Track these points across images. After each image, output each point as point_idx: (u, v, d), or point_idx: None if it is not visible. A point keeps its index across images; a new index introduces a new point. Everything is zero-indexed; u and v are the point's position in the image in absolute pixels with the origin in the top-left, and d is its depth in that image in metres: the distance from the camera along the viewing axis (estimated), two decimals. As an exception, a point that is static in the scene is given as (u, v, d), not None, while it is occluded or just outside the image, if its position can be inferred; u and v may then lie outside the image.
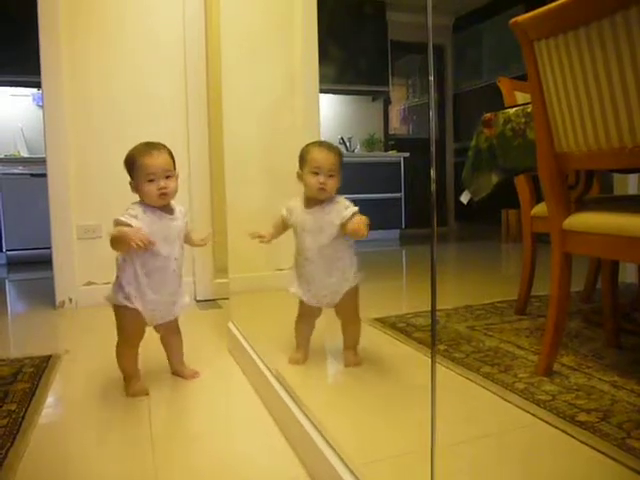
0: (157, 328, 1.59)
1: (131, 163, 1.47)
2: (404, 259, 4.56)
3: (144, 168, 1.44)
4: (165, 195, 1.46)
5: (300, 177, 1.56)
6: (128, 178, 1.49)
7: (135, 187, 1.48)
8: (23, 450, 1.20)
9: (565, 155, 1.44)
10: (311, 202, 1.54)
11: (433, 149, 0.77)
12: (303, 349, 1.62)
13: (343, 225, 1.49)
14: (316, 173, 1.50)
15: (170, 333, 1.62)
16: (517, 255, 4.55)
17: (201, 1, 2.79)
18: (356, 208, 1.51)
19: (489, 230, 5.09)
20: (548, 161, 1.47)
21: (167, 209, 1.51)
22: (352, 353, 1.62)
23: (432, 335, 1.31)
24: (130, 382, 1.52)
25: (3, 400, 1.46)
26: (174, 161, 1.51)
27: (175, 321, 1.61)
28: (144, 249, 1.38)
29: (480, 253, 4.17)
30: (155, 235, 1.43)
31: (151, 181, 1.44)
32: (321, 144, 1.57)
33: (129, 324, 1.49)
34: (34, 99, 4.82)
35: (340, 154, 1.55)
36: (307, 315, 1.61)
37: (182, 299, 1.59)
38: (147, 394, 1.50)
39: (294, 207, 1.58)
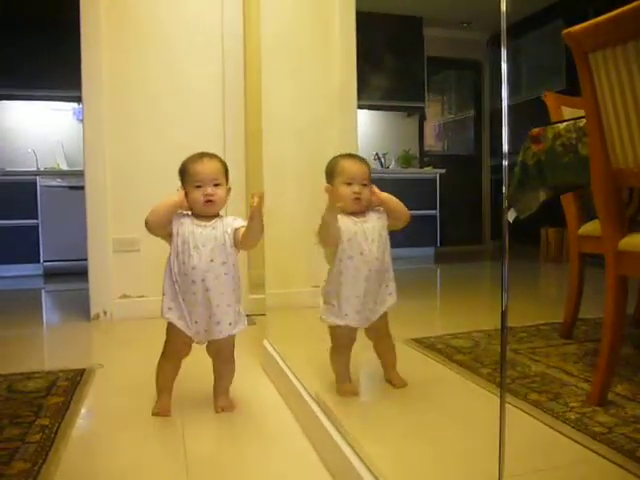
0: (208, 351, 1.50)
1: (182, 171, 1.45)
2: (439, 278, 4.47)
3: (193, 175, 1.41)
4: (211, 202, 1.40)
5: (329, 191, 1.49)
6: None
7: (185, 195, 1.43)
8: (55, 467, 1.17)
9: (622, 172, 1.36)
10: (351, 215, 1.47)
11: (506, 163, 0.72)
12: (347, 380, 1.53)
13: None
14: (349, 183, 1.45)
15: (220, 359, 1.50)
16: (557, 276, 4.41)
17: (239, 13, 2.79)
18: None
19: (527, 249, 4.96)
20: (603, 178, 1.40)
21: (207, 218, 1.43)
22: (397, 373, 1.57)
23: (501, 368, 1.25)
24: (158, 398, 1.48)
25: (37, 414, 1.44)
26: (227, 172, 1.47)
27: (227, 347, 1.49)
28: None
29: (518, 273, 4.04)
30: (185, 242, 1.39)
31: (198, 187, 1.40)
32: (351, 155, 1.53)
33: (172, 337, 1.45)
34: (74, 113, 4.92)
35: (369, 165, 1.52)
36: (344, 345, 1.52)
37: (222, 322, 1.43)
38: (167, 415, 1.44)
39: (341, 219, 1.47)
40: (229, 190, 1.47)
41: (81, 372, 1.80)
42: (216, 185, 1.41)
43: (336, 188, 1.47)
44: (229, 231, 1.42)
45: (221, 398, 1.51)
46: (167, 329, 1.45)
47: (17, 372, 1.80)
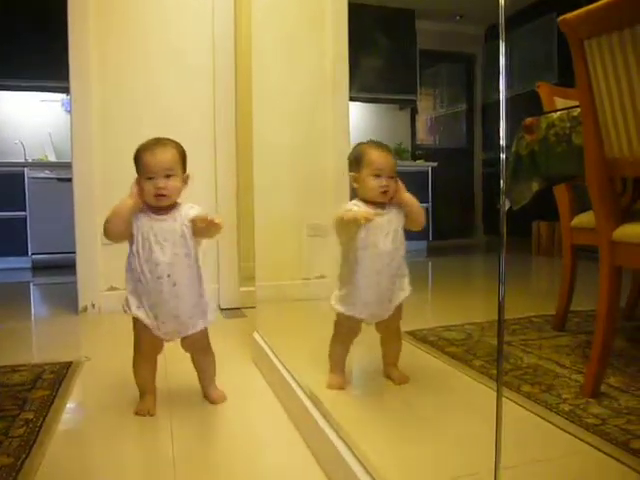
0: (183, 346, 1.45)
1: (136, 158, 1.37)
2: (431, 271, 4.46)
3: (144, 165, 1.34)
4: (162, 196, 1.33)
5: (355, 180, 1.46)
6: None
7: (139, 184, 1.36)
8: (39, 462, 1.14)
9: (617, 161, 1.34)
10: (370, 205, 1.43)
11: (503, 157, 0.69)
12: (341, 372, 1.51)
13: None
14: (377, 176, 1.41)
15: (197, 352, 1.47)
16: (549, 269, 4.41)
17: (230, 7, 2.75)
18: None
19: (519, 242, 4.95)
20: (597, 168, 1.38)
21: (163, 210, 1.37)
22: (398, 370, 1.55)
23: (498, 358, 1.23)
24: (142, 399, 1.42)
25: (22, 407, 1.41)
26: (184, 160, 1.40)
27: (202, 339, 1.45)
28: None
29: (510, 266, 4.03)
30: (145, 239, 1.33)
31: (150, 179, 1.33)
32: (379, 145, 1.47)
33: (141, 335, 1.39)
34: (63, 104, 4.85)
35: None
36: (347, 335, 1.50)
37: (193, 316, 1.40)
38: (152, 415, 1.38)
39: (362, 208, 1.43)
40: (187, 178, 1.40)
41: (67, 365, 1.77)
42: (168, 176, 1.33)
43: (362, 179, 1.44)
44: (187, 222, 1.36)
45: (210, 389, 1.48)
46: (134, 327, 1.39)
47: (2, 365, 1.77)
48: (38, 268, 4.32)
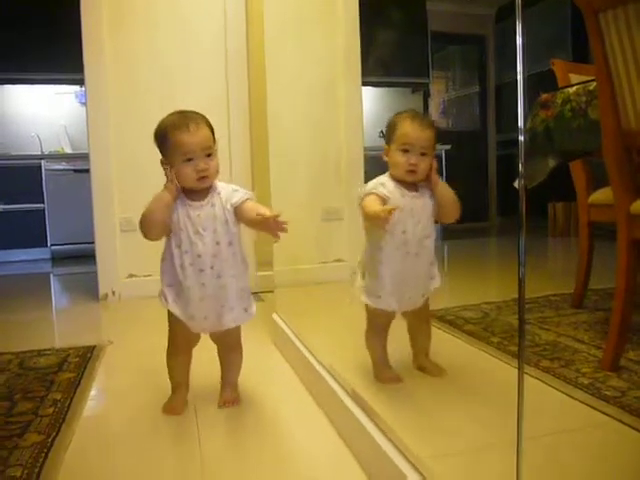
0: (213, 338, 1.36)
1: (162, 137, 1.22)
2: (446, 254, 4.45)
3: (179, 146, 1.19)
4: (205, 178, 1.21)
5: (385, 153, 1.32)
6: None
7: (169, 166, 1.22)
8: (69, 439, 1.17)
9: (633, 133, 1.34)
10: (401, 184, 1.30)
11: (522, 138, 0.69)
12: (387, 364, 1.38)
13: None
14: (406, 151, 1.27)
15: (226, 347, 1.37)
16: (565, 249, 4.39)
17: None
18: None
19: (534, 224, 4.92)
20: (614, 140, 1.37)
21: (199, 194, 1.24)
22: (431, 360, 1.43)
23: (520, 329, 1.24)
24: (173, 394, 1.35)
25: (49, 389, 1.44)
26: (213, 132, 1.26)
27: (234, 333, 1.34)
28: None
29: (526, 247, 4.04)
30: (183, 229, 1.22)
31: (189, 160, 1.20)
32: (414, 117, 1.31)
33: (176, 328, 1.30)
34: (77, 97, 4.89)
35: (435, 129, 1.31)
36: (381, 324, 1.37)
37: (236, 308, 1.28)
38: (178, 414, 1.31)
39: (389, 187, 1.29)
40: (216, 152, 1.27)
41: (91, 349, 1.81)
42: (209, 155, 1.22)
43: (391, 153, 1.30)
44: (229, 207, 1.24)
45: (226, 391, 1.37)
46: (169, 320, 1.30)
47: (28, 350, 1.81)
48: (57, 259, 4.39)
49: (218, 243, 1.23)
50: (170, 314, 1.28)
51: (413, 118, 1.30)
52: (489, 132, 6.32)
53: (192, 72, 2.75)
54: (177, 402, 1.33)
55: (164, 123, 1.23)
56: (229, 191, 1.26)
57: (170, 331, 1.31)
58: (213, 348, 1.38)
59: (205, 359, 1.41)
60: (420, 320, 1.41)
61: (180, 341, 1.31)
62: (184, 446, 1.17)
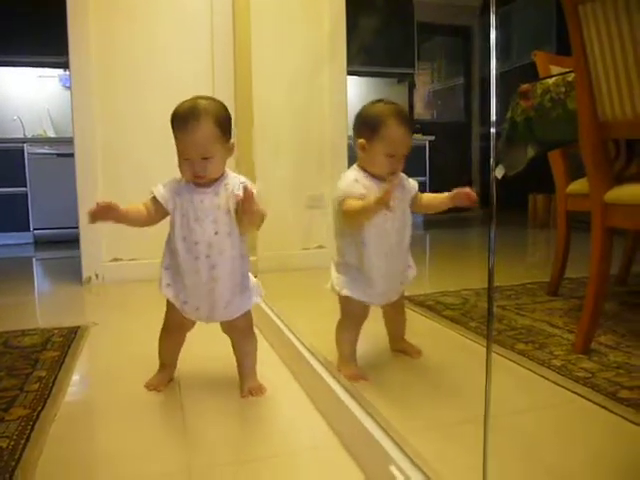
0: (223, 329, 1.33)
1: (171, 124, 1.19)
2: (428, 244, 4.51)
3: (177, 144, 1.18)
4: (200, 178, 1.19)
5: (363, 148, 1.29)
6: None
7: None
8: (54, 413, 1.19)
9: (609, 124, 1.38)
10: (373, 178, 1.29)
11: (493, 131, 0.72)
12: (354, 361, 1.36)
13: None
14: (391, 155, 1.26)
15: (238, 336, 1.33)
16: (545, 240, 4.47)
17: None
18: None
19: (515, 216, 5.00)
20: (591, 130, 1.42)
21: (205, 183, 1.22)
22: (408, 342, 1.49)
23: (489, 311, 1.28)
24: (158, 371, 1.36)
25: (34, 366, 1.46)
26: (225, 127, 1.20)
27: (244, 322, 1.31)
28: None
29: (506, 238, 4.09)
30: (184, 215, 1.20)
31: (187, 159, 1.18)
32: (400, 117, 1.26)
33: (170, 313, 1.30)
34: (60, 80, 4.85)
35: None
36: (356, 320, 1.35)
37: (232, 303, 1.26)
38: (159, 391, 1.32)
39: (363, 182, 1.28)
40: (232, 147, 1.23)
41: (76, 329, 1.82)
42: (205, 158, 1.17)
43: (373, 152, 1.27)
44: (233, 198, 1.20)
45: (248, 380, 1.32)
46: (167, 302, 1.29)
47: (13, 329, 1.82)
48: (40, 243, 4.36)
49: (217, 233, 1.20)
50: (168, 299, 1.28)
51: (400, 120, 1.26)
52: (473, 124, 6.38)
53: (177, 55, 2.74)
54: (160, 380, 1.35)
55: (174, 111, 1.19)
56: (236, 182, 1.22)
57: (166, 313, 1.31)
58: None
59: (195, 340, 1.42)
60: (395, 308, 1.45)
61: (173, 324, 1.31)
62: (168, 419, 1.19)
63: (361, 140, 1.29)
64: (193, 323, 1.33)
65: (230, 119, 1.23)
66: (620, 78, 1.30)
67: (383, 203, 1.11)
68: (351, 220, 1.27)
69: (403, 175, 1.35)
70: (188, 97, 1.22)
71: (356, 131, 1.32)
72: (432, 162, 5.21)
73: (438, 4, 5.73)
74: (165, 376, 1.36)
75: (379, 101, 1.32)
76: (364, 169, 1.30)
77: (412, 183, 1.39)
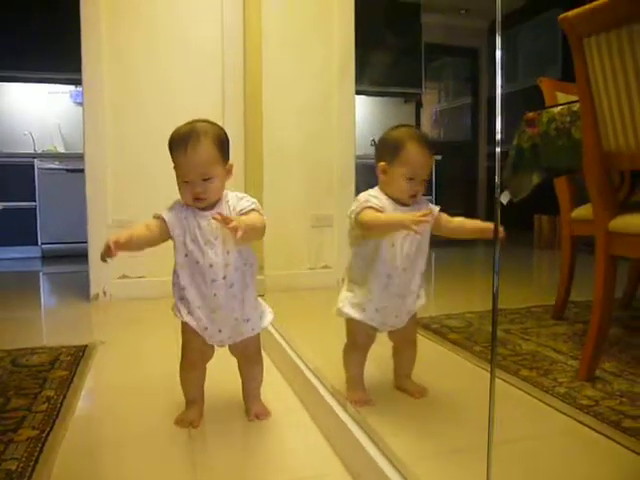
0: (232, 350, 1.33)
1: (169, 149, 1.21)
2: (433, 262, 4.51)
3: (177, 167, 1.19)
4: (202, 200, 1.19)
5: (384, 171, 1.29)
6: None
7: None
8: (62, 434, 1.21)
9: (613, 154, 1.40)
10: (394, 200, 1.30)
11: (499, 150, 0.74)
12: (361, 385, 1.36)
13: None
14: (411, 178, 1.26)
15: (246, 359, 1.33)
16: (550, 262, 4.46)
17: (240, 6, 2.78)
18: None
19: (520, 236, 5.00)
20: (595, 161, 1.43)
21: (207, 206, 1.22)
22: (413, 382, 1.43)
23: (492, 339, 1.28)
24: (187, 407, 1.31)
25: (42, 386, 1.48)
26: (224, 148, 1.22)
27: (254, 344, 1.31)
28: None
29: (511, 258, 4.10)
30: (194, 240, 1.20)
31: (186, 182, 1.18)
32: (421, 141, 1.27)
33: (190, 341, 1.26)
34: (71, 96, 4.91)
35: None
36: (362, 343, 1.35)
37: (252, 319, 1.27)
38: (195, 427, 1.27)
39: (383, 202, 1.28)
40: (230, 168, 1.23)
41: (83, 348, 1.84)
42: (206, 179, 1.17)
43: (393, 176, 1.27)
44: (235, 215, 1.19)
45: (254, 403, 1.33)
46: (183, 334, 1.26)
47: (21, 347, 1.84)
48: (48, 257, 4.40)
49: (229, 252, 1.20)
50: (184, 328, 1.26)
51: (421, 144, 1.27)
52: (480, 143, 6.41)
53: (189, 76, 2.78)
54: (193, 414, 1.29)
55: (171, 135, 1.21)
56: (236, 199, 1.24)
57: (184, 346, 1.28)
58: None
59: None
60: (406, 342, 1.41)
61: (194, 356, 1.28)
62: (174, 443, 1.21)
63: (382, 163, 1.29)
64: (212, 352, 1.30)
65: (228, 141, 1.25)
66: (624, 110, 1.32)
67: (410, 224, 1.11)
68: (367, 227, 1.25)
69: (424, 199, 1.34)
70: (194, 113, 1.23)
71: (377, 155, 1.33)
72: (438, 181, 5.23)
73: (446, 26, 5.79)
74: (197, 411, 1.31)
75: (401, 126, 1.33)
76: (384, 192, 1.31)
77: (434, 209, 1.34)
